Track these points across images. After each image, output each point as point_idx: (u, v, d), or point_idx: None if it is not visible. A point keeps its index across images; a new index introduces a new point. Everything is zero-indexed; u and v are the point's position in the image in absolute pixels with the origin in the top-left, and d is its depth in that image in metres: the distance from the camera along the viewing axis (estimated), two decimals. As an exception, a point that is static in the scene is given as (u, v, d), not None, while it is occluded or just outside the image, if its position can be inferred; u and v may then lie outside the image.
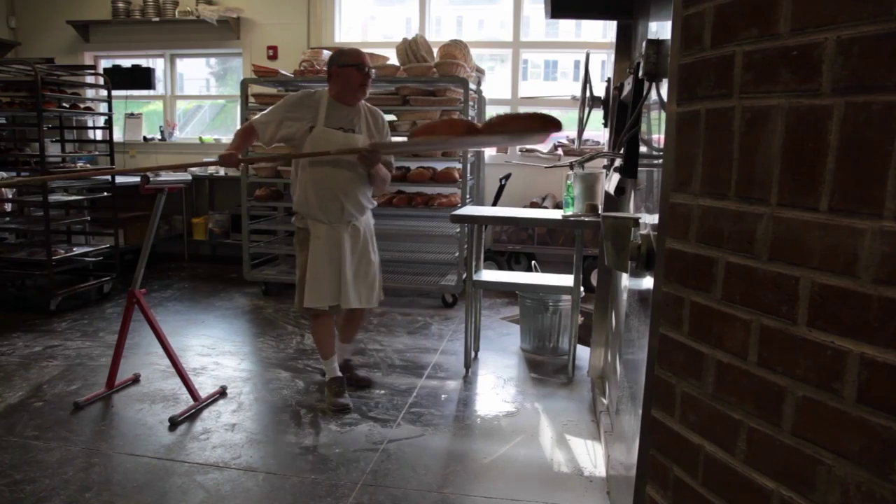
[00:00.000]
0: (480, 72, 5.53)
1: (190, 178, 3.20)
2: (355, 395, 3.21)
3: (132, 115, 6.66)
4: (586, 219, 3.17)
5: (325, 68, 5.19)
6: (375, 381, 3.39)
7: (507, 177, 5.38)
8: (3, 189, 4.96)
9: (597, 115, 2.93)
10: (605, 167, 3.02)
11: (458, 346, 3.97)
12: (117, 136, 5.92)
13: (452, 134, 2.74)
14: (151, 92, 6.59)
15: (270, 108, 3.05)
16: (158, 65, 6.68)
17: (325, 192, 2.95)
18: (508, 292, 5.17)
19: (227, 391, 3.22)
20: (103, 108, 5.34)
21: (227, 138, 6.57)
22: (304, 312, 3.14)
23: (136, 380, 3.33)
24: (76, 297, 4.83)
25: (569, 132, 6.00)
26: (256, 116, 3.04)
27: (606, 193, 2.85)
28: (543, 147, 5.82)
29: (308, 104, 2.98)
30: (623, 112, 2.19)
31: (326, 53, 5.46)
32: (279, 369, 3.54)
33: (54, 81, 4.84)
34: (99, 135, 5.80)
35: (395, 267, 5.48)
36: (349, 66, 2.93)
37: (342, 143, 2.94)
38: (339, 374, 3.15)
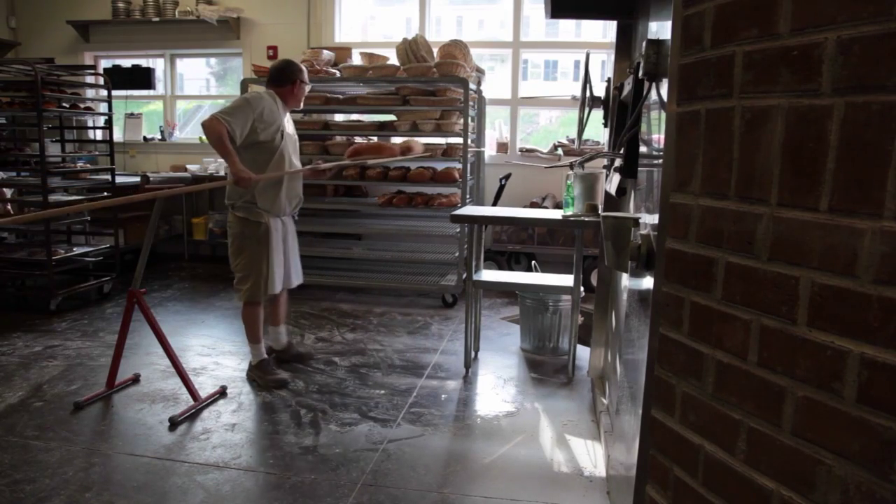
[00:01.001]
0: (480, 72, 5.53)
1: (190, 177, 3.20)
2: (355, 395, 3.21)
3: (132, 115, 6.66)
4: (586, 219, 3.17)
5: (325, 69, 5.23)
6: (376, 380, 3.39)
7: (507, 177, 5.38)
8: (2, 189, 4.95)
9: (597, 115, 2.93)
10: (605, 167, 3.02)
11: (458, 346, 3.97)
12: (117, 136, 5.92)
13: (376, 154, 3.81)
14: (151, 92, 6.59)
15: (231, 106, 3.10)
16: (158, 65, 6.68)
17: (292, 192, 3.35)
18: (508, 292, 5.17)
19: (227, 391, 3.22)
20: (103, 108, 5.33)
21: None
22: (250, 300, 3.31)
23: (136, 380, 3.33)
24: (76, 297, 4.83)
25: (569, 132, 6.01)
26: (219, 115, 3.02)
27: (606, 193, 2.85)
28: (547, 154, 5.81)
29: (270, 108, 3.17)
30: (623, 112, 2.19)
31: (326, 53, 5.46)
32: (279, 369, 3.54)
33: (54, 81, 4.84)
34: (99, 135, 5.79)
35: (395, 267, 5.49)
36: (306, 83, 3.35)
37: (295, 144, 3.40)
38: (266, 356, 3.46)
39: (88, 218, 5.24)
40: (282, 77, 3.25)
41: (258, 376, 3.36)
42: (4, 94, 4.86)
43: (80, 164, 5.33)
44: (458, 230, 4.90)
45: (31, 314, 4.49)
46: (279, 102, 3.23)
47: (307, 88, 3.37)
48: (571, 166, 3.26)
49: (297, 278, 3.51)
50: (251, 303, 3.32)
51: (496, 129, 6.03)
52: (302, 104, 3.39)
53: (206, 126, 3.00)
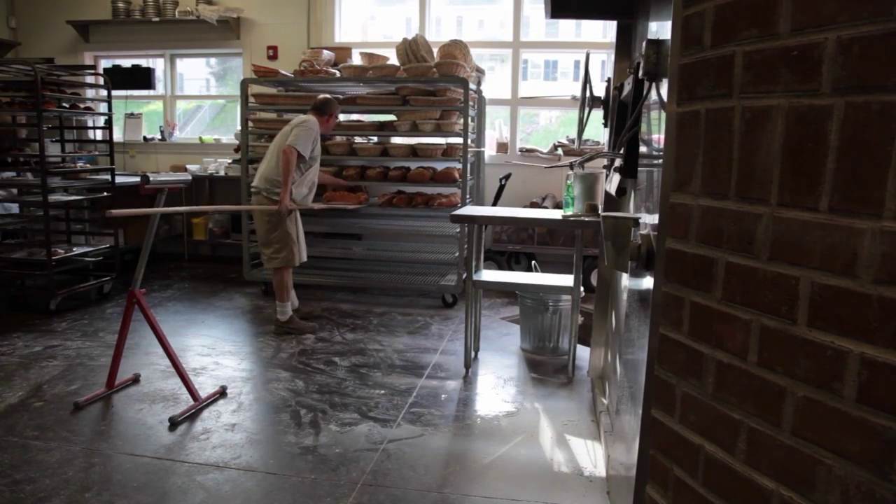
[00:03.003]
0: (480, 72, 5.53)
1: (189, 177, 3.21)
2: (355, 395, 3.21)
3: (132, 115, 6.66)
4: (586, 219, 3.17)
5: (325, 69, 5.24)
6: (376, 380, 3.40)
7: (507, 177, 5.38)
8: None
9: (597, 115, 2.93)
10: (605, 167, 3.02)
11: (458, 346, 3.97)
12: (117, 136, 5.92)
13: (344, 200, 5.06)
14: (151, 92, 6.59)
15: (302, 136, 3.96)
16: (158, 65, 6.68)
17: (315, 184, 4.31)
18: (508, 292, 5.17)
19: (227, 391, 3.22)
20: (103, 108, 5.33)
21: (226, 139, 6.57)
22: (285, 265, 4.10)
23: (136, 380, 3.33)
24: (76, 297, 4.83)
25: (569, 132, 6.01)
26: (294, 144, 3.92)
27: (606, 193, 2.85)
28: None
29: (318, 131, 4.10)
30: (623, 112, 2.19)
31: (327, 53, 5.46)
32: (279, 369, 3.54)
33: (54, 81, 4.84)
34: (99, 135, 5.80)
35: (395, 267, 5.49)
36: (336, 119, 4.37)
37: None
38: (292, 312, 4.26)
39: (88, 218, 5.24)
40: (324, 109, 4.17)
41: (293, 329, 4.16)
42: (4, 94, 4.86)
43: (80, 164, 5.33)
44: (458, 230, 4.90)
45: (31, 314, 4.49)
46: (319, 129, 4.12)
47: (336, 124, 4.40)
48: (571, 166, 3.26)
49: (305, 254, 4.30)
50: (284, 268, 4.09)
51: (496, 129, 6.03)
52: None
53: (285, 152, 3.90)
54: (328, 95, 4.30)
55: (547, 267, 4.80)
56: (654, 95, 1.62)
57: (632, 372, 1.73)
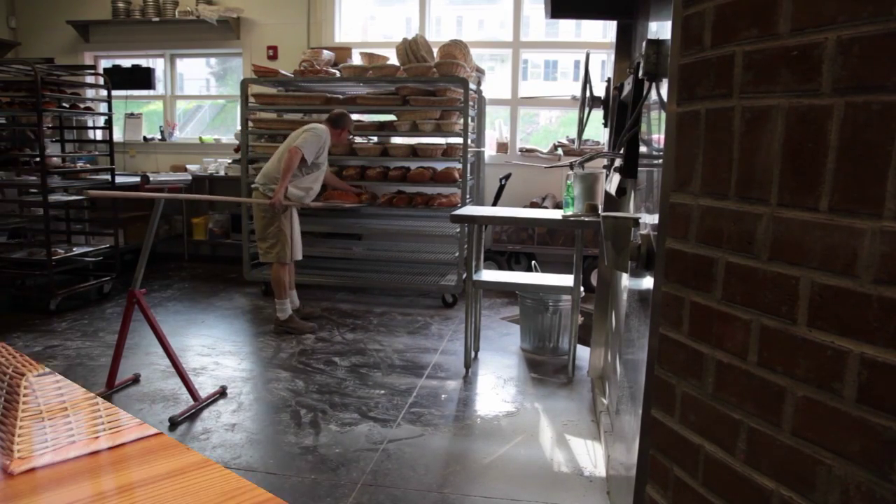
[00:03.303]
0: (480, 72, 5.53)
1: (189, 177, 3.21)
2: (355, 395, 3.21)
3: (132, 115, 6.66)
4: (586, 219, 3.17)
5: (325, 69, 5.24)
6: (376, 380, 3.40)
7: (507, 177, 5.38)
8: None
9: (597, 115, 2.93)
10: (605, 167, 3.02)
11: (458, 346, 3.97)
12: (117, 136, 5.92)
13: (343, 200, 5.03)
14: (151, 92, 6.59)
15: (310, 140, 4.04)
16: (158, 65, 6.68)
17: (315, 190, 4.32)
18: (508, 292, 5.17)
19: (227, 391, 3.22)
20: (103, 108, 5.34)
21: (226, 139, 6.57)
22: (280, 261, 4.15)
23: (136, 380, 3.33)
24: (76, 297, 4.83)
25: (569, 132, 6.01)
26: (300, 146, 3.99)
27: (606, 193, 2.85)
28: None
29: (327, 140, 4.20)
30: (623, 112, 2.19)
31: (327, 53, 5.46)
32: (279, 369, 3.54)
33: (54, 81, 4.84)
34: (99, 135, 5.80)
35: (395, 267, 5.49)
36: (351, 134, 4.63)
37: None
38: (292, 311, 4.30)
39: (88, 218, 5.24)
40: (339, 122, 4.27)
41: (293, 328, 4.18)
42: (4, 94, 4.86)
43: (80, 164, 5.33)
44: (458, 230, 4.90)
45: (31, 314, 4.49)
46: (329, 139, 4.21)
47: (348, 137, 4.60)
48: (571, 166, 3.26)
49: (300, 253, 4.40)
50: (280, 264, 4.14)
51: (496, 129, 6.04)
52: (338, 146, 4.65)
53: (290, 152, 3.98)
54: (345, 111, 4.40)
55: (547, 267, 4.80)
56: (654, 95, 1.62)
57: (632, 372, 1.73)
